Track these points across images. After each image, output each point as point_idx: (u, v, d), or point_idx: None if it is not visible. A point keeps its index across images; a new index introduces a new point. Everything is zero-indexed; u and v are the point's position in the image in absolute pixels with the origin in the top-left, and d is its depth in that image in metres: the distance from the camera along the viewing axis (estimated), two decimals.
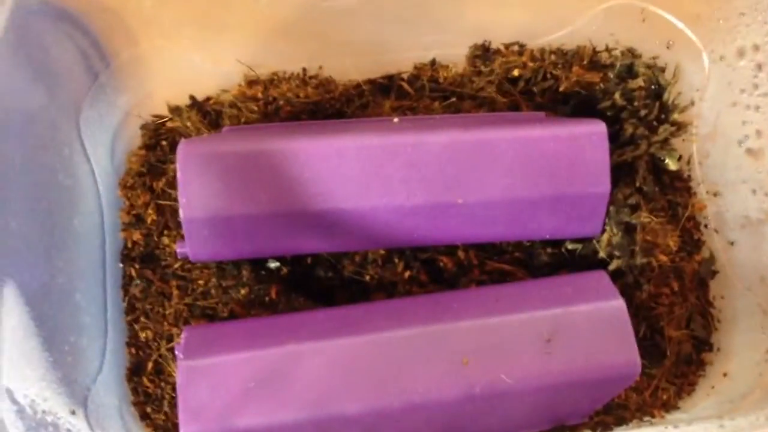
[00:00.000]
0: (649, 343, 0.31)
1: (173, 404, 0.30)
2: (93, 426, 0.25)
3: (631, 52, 0.34)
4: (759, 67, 0.28)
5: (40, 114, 0.26)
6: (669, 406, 0.30)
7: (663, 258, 0.31)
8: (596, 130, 0.29)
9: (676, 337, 0.31)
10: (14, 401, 0.21)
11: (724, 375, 0.30)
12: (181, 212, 0.28)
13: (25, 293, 0.23)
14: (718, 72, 0.32)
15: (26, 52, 0.25)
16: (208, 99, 0.35)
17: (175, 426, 0.30)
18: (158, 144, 0.34)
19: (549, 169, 0.29)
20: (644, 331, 0.31)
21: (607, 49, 0.34)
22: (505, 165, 0.29)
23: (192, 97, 0.35)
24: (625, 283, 0.31)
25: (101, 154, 0.31)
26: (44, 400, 0.23)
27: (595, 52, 0.34)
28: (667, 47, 0.33)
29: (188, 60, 0.34)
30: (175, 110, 0.34)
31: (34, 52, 0.25)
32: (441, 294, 0.30)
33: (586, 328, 0.27)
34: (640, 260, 0.31)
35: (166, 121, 0.34)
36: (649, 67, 0.33)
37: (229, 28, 0.34)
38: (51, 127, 0.27)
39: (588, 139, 0.29)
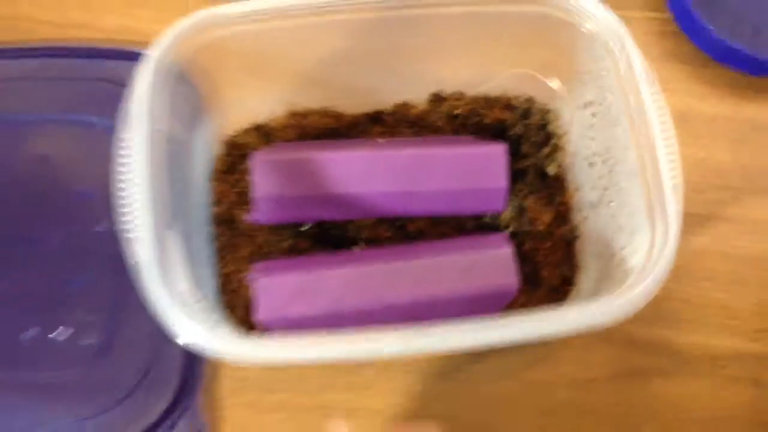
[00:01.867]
0: (531, 278, 0.44)
1: (246, 310, 0.44)
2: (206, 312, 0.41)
3: (530, 100, 0.48)
4: (593, 114, 0.43)
5: (177, 138, 0.42)
6: None
7: (541, 226, 0.45)
8: (499, 148, 0.44)
9: (549, 275, 0.45)
10: (176, 289, 0.37)
11: (577, 296, 0.45)
12: (254, 193, 0.43)
13: (178, 235, 0.40)
14: (576, 115, 0.46)
15: (172, 103, 0.41)
16: (263, 125, 0.48)
17: (246, 323, 0.43)
18: (232, 153, 0.47)
19: (471, 172, 0.44)
20: (528, 271, 0.44)
21: (515, 98, 0.49)
22: (446, 168, 0.44)
23: (253, 123, 0.48)
24: (517, 241, 0.45)
25: (202, 160, 0.46)
26: (186, 292, 0.40)
27: (508, 99, 0.48)
28: (550, 97, 0.48)
29: (251, 101, 0.47)
30: (243, 132, 0.47)
31: (175, 104, 0.41)
32: (407, 245, 0.45)
33: (489, 264, 0.42)
34: (527, 227, 0.45)
35: (237, 138, 0.47)
36: (540, 109, 0.48)
37: (277, 81, 0.46)
38: (181, 144, 0.43)
39: (494, 153, 0.44)
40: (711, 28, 0.52)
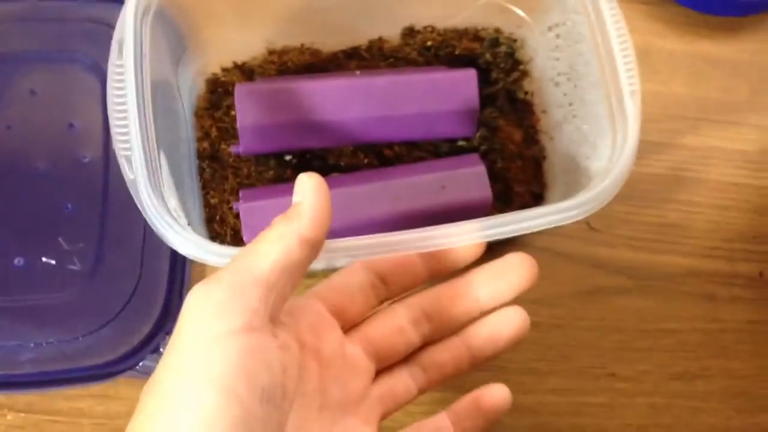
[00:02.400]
0: (503, 195, 0.47)
1: (233, 239, 0.46)
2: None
3: (497, 30, 0.51)
4: (557, 36, 0.46)
5: (162, 72, 0.45)
6: None
7: (512, 146, 0.48)
8: (470, 73, 0.46)
9: (520, 191, 0.47)
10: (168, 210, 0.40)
11: None
12: (238, 123, 0.45)
13: (166, 160, 0.42)
14: (541, 40, 0.48)
15: (155, 40, 0.43)
16: (244, 63, 0.50)
17: None
18: (216, 90, 0.49)
19: (445, 96, 0.46)
20: (500, 188, 0.46)
21: (484, 29, 0.51)
22: (420, 93, 0.46)
23: (234, 62, 0.50)
24: (489, 160, 0.47)
25: (186, 96, 0.48)
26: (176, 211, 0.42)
27: (476, 30, 0.51)
28: (517, 27, 0.50)
29: (231, 39, 0.48)
30: (225, 70, 0.50)
31: (157, 40, 0.44)
32: (385, 168, 0.48)
33: (463, 181, 0.45)
34: (498, 146, 0.48)
35: (219, 76, 0.50)
36: (507, 38, 0.51)
37: (257, 17, 0.47)
38: (166, 79, 0.46)
39: (465, 78, 0.46)
40: None
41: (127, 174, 0.39)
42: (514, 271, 0.37)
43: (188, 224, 0.43)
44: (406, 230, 0.36)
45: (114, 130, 0.39)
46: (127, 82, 0.39)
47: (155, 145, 0.40)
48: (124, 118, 0.39)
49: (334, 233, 0.45)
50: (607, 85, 0.41)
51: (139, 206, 0.38)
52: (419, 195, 0.45)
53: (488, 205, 0.45)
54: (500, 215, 0.37)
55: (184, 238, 0.37)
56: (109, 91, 0.40)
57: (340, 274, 0.38)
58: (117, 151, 0.39)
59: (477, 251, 0.37)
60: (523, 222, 0.37)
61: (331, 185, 0.46)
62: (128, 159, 0.39)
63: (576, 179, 0.45)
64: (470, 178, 0.46)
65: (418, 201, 0.45)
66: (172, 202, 0.41)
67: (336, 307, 0.36)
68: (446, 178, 0.46)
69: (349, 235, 0.45)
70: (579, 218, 0.38)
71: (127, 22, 0.41)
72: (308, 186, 0.32)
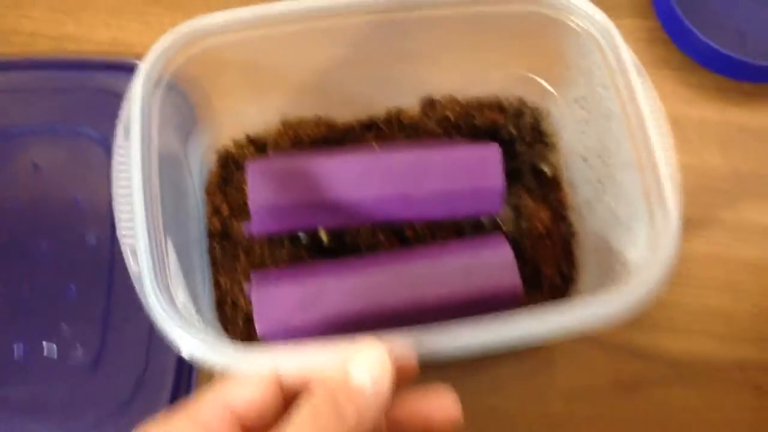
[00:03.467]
0: (532, 279, 0.44)
1: (244, 324, 0.44)
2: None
3: (521, 100, 0.49)
4: (584, 109, 0.44)
5: (171, 148, 0.43)
6: None
7: (539, 225, 0.45)
8: (494, 148, 0.44)
9: (550, 274, 0.44)
10: (177, 298, 0.37)
11: (578, 294, 0.44)
12: (249, 204, 0.42)
13: (174, 245, 0.40)
14: (567, 112, 0.46)
15: (164, 115, 0.41)
16: (257, 136, 0.48)
17: (246, 338, 0.43)
18: (227, 165, 0.47)
19: (467, 173, 0.43)
20: (529, 272, 0.44)
21: (506, 99, 0.49)
22: (440, 171, 0.43)
23: (247, 135, 0.48)
24: (516, 242, 0.45)
25: (196, 172, 0.46)
26: (185, 303, 0.40)
27: (499, 100, 0.49)
28: (541, 97, 0.48)
29: (244, 112, 0.47)
30: (237, 143, 0.48)
31: (167, 115, 0.41)
32: (405, 250, 0.45)
33: (489, 267, 0.42)
34: (525, 227, 0.46)
35: (231, 150, 0.48)
36: (532, 109, 0.48)
37: (270, 88, 0.46)
38: (175, 156, 0.44)
39: (489, 153, 0.44)
40: (697, 33, 0.53)
41: (131, 266, 0.36)
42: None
43: (197, 311, 0.40)
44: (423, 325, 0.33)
45: (118, 218, 0.37)
46: (132, 167, 0.37)
47: (162, 233, 0.38)
48: (129, 204, 0.37)
49: (347, 320, 0.42)
50: (641, 166, 0.39)
51: (143, 303, 0.36)
52: (442, 282, 0.42)
53: (518, 294, 0.42)
54: (532, 314, 0.35)
55: (194, 341, 0.34)
56: (114, 175, 0.38)
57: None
58: (121, 240, 0.37)
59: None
60: (562, 324, 0.34)
61: (347, 269, 0.44)
62: (132, 249, 0.36)
63: (609, 262, 0.42)
64: (497, 263, 0.43)
65: (443, 287, 0.42)
66: (181, 296, 0.38)
67: None
68: (471, 264, 0.43)
69: (368, 326, 0.43)
70: (620, 322, 0.35)
71: (134, 102, 0.39)
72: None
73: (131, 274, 0.36)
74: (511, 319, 0.34)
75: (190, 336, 0.34)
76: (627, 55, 0.40)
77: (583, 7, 0.42)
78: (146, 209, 0.36)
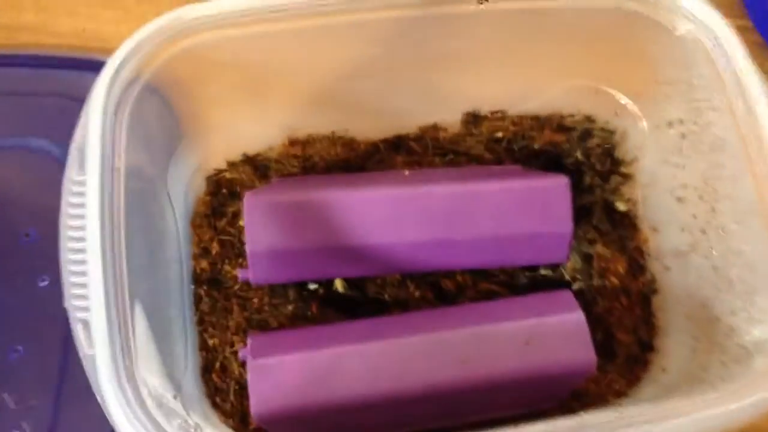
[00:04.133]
0: (605, 346, 0.37)
1: (236, 395, 0.36)
2: (186, 408, 0.32)
3: (589, 119, 0.40)
4: (682, 136, 0.35)
5: (145, 174, 0.34)
6: (620, 394, 0.36)
7: (614, 280, 0.38)
8: (561, 182, 0.36)
9: (626, 340, 0.37)
10: (145, 385, 0.28)
11: (663, 370, 0.36)
12: (247, 247, 0.34)
13: (143, 307, 0.30)
14: (653, 136, 0.38)
15: (138, 130, 0.32)
16: (257, 155, 0.40)
17: (238, 412, 0.36)
18: (219, 191, 0.40)
19: (525, 213, 0.35)
20: (600, 337, 0.37)
21: (571, 116, 0.41)
22: (490, 209, 0.35)
23: (245, 154, 0.40)
24: (586, 300, 0.37)
25: (179, 201, 0.37)
26: (159, 386, 0.30)
27: (561, 117, 0.41)
28: (616, 115, 0.39)
29: (241, 126, 0.39)
30: (232, 165, 0.40)
31: (142, 130, 0.33)
32: (443, 309, 0.37)
33: (555, 334, 0.34)
34: (596, 281, 0.37)
35: (225, 173, 0.40)
36: (602, 130, 0.40)
37: (274, 99, 0.39)
38: (151, 182, 0.35)
39: (555, 189, 0.36)
40: None
41: (83, 347, 0.27)
42: None
43: (175, 390, 0.31)
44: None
45: (66, 281, 0.27)
46: (88, 214, 0.28)
47: (127, 298, 0.28)
48: (81, 264, 0.27)
49: (376, 408, 0.33)
50: None
51: (97, 398, 0.26)
52: (493, 353, 0.34)
53: (590, 370, 0.33)
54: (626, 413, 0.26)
55: None
56: (63, 221, 0.28)
57: None
58: (69, 312, 0.27)
59: None
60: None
61: (369, 333, 0.34)
62: (85, 324, 0.27)
63: (713, 337, 0.33)
64: (565, 331, 0.34)
65: (491, 362, 0.33)
66: (152, 380, 0.29)
67: None
68: (532, 330, 0.34)
69: (396, 413, 0.33)
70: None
71: (94, 116, 0.29)
72: None
73: (82, 357, 0.27)
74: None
75: None
76: (749, 69, 0.31)
77: (685, 2, 0.33)
78: (105, 272, 0.27)
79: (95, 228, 0.28)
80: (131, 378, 0.27)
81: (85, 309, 0.27)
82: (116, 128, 0.30)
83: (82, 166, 0.29)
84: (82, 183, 0.29)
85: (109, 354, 0.26)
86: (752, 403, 0.27)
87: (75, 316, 0.27)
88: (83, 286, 0.27)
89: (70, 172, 0.29)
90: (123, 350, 0.27)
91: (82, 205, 0.28)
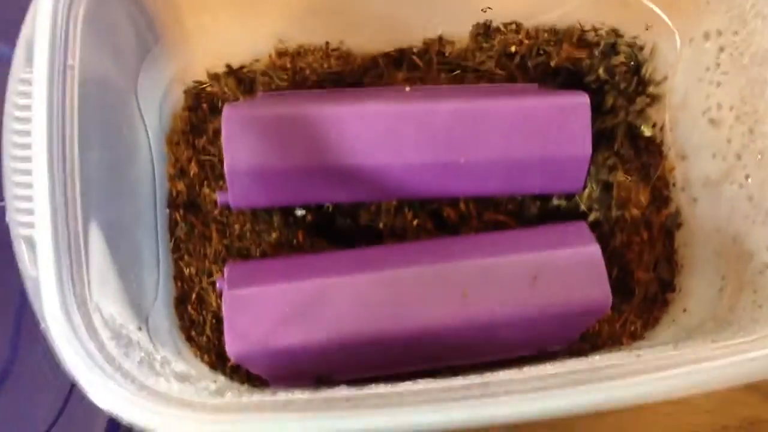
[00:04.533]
0: (621, 283, 0.34)
1: (213, 329, 0.33)
2: (153, 341, 0.29)
3: (615, 32, 0.36)
4: (721, 49, 0.30)
5: (109, 80, 0.30)
6: (636, 336, 0.33)
7: (635, 211, 0.34)
8: (581, 101, 0.32)
9: (644, 278, 0.34)
10: (101, 314, 0.25)
11: (684, 311, 0.33)
12: (225, 165, 0.31)
13: (102, 228, 0.27)
14: (687, 52, 0.33)
15: (99, 28, 0.28)
16: (242, 67, 0.37)
17: (215, 347, 0.33)
18: (199, 106, 0.36)
19: (539, 134, 0.32)
20: (617, 273, 0.34)
21: (594, 29, 0.36)
22: (501, 130, 0.32)
23: (228, 66, 0.37)
24: (602, 232, 0.34)
25: (152, 115, 0.34)
26: (120, 315, 0.27)
27: (583, 31, 0.36)
28: (646, 29, 0.35)
29: (225, 33, 0.36)
30: (214, 77, 0.36)
31: (105, 29, 0.29)
32: (444, 239, 0.33)
33: (567, 269, 0.30)
34: (615, 213, 0.34)
35: (206, 86, 0.36)
36: (629, 45, 0.36)
37: (261, 5, 0.35)
38: (116, 91, 0.31)
39: (573, 108, 0.32)
40: None
41: (26, 266, 0.24)
42: None
43: (140, 320, 0.28)
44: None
45: (9, 193, 0.24)
46: (35, 111, 0.24)
47: (80, 215, 0.25)
48: (26, 174, 0.24)
49: (365, 347, 0.30)
50: None
51: (41, 325, 0.23)
52: (497, 289, 0.30)
53: (604, 310, 0.30)
54: (641, 358, 0.23)
55: (113, 396, 0.22)
56: (6, 127, 0.25)
57: None
58: (11, 227, 0.24)
59: None
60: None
61: (359, 264, 0.31)
62: (30, 241, 0.24)
63: (744, 275, 0.29)
64: (578, 265, 0.31)
65: (495, 298, 0.30)
66: (108, 307, 0.25)
67: None
68: (540, 264, 0.31)
69: (387, 353, 0.30)
70: None
71: (42, 7, 0.25)
72: None
73: (25, 280, 0.23)
74: (627, 378, 0.22)
75: (108, 387, 0.22)
76: None
77: None
78: (53, 183, 0.24)
79: (42, 131, 0.24)
80: (82, 305, 0.24)
81: (29, 225, 0.24)
82: (70, 19, 0.26)
83: (29, 61, 0.25)
84: (28, 81, 0.25)
85: (55, 276, 0.23)
86: None
87: (17, 232, 0.24)
88: (28, 199, 0.24)
89: (16, 69, 0.25)
90: (72, 273, 0.24)
91: (28, 107, 0.25)
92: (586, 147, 0.32)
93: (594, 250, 0.31)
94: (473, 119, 0.32)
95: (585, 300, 0.30)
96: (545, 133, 0.32)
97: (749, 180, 0.30)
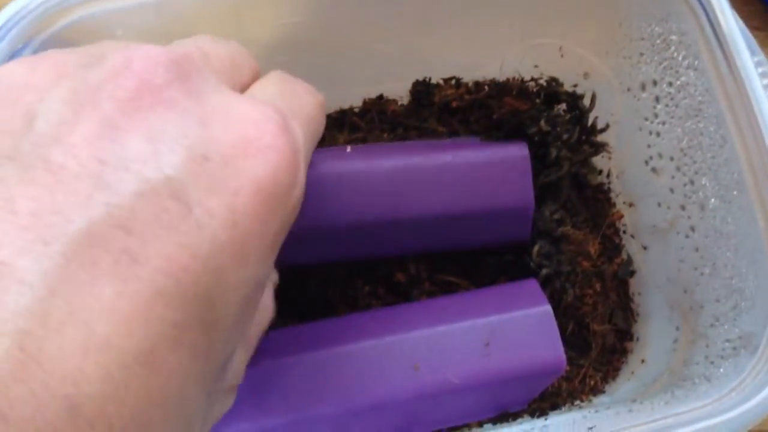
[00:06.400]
0: (578, 338, 0.33)
1: None
2: None
3: (555, 81, 0.35)
4: (657, 99, 0.30)
5: None
6: (596, 391, 0.32)
7: (586, 264, 0.33)
8: (520, 153, 0.32)
9: (600, 330, 0.33)
10: None
11: (642, 361, 0.32)
12: None
13: None
14: (625, 101, 0.33)
15: None
16: None
17: None
18: None
19: (481, 188, 0.31)
20: (572, 328, 0.33)
21: (533, 80, 0.35)
22: (443, 185, 0.31)
23: None
24: (554, 288, 0.32)
25: None
26: None
27: (522, 82, 0.35)
28: (584, 77, 0.35)
29: None
30: None
31: None
32: (395, 307, 0.32)
33: (519, 331, 0.29)
34: (565, 268, 0.33)
35: None
36: (569, 94, 0.35)
37: None
38: None
39: (513, 160, 0.32)
40: None
41: None
42: None
43: None
44: None
45: None
46: None
47: None
48: None
49: (323, 423, 0.29)
50: (759, 191, 0.25)
51: None
52: (450, 358, 0.30)
53: (559, 370, 0.29)
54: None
55: None
56: None
57: None
58: None
59: None
60: None
61: (308, 339, 0.30)
62: None
63: (698, 326, 0.29)
64: (530, 326, 0.30)
65: (448, 369, 0.29)
66: None
67: None
68: (492, 329, 0.30)
69: (345, 425, 0.30)
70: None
71: None
72: None
73: None
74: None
75: None
76: (733, 24, 0.26)
77: None
78: None
79: None
80: None
81: None
82: None
83: None
84: None
85: None
86: (740, 415, 0.23)
87: None
88: None
89: None
90: None
91: None
92: (528, 198, 0.31)
93: (545, 309, 0.30)
94: (413, 176, 0.31)
95: (539, 362, 0.29)
96: (486, 186, 0.31)
97: (695, 232, 0.30)
